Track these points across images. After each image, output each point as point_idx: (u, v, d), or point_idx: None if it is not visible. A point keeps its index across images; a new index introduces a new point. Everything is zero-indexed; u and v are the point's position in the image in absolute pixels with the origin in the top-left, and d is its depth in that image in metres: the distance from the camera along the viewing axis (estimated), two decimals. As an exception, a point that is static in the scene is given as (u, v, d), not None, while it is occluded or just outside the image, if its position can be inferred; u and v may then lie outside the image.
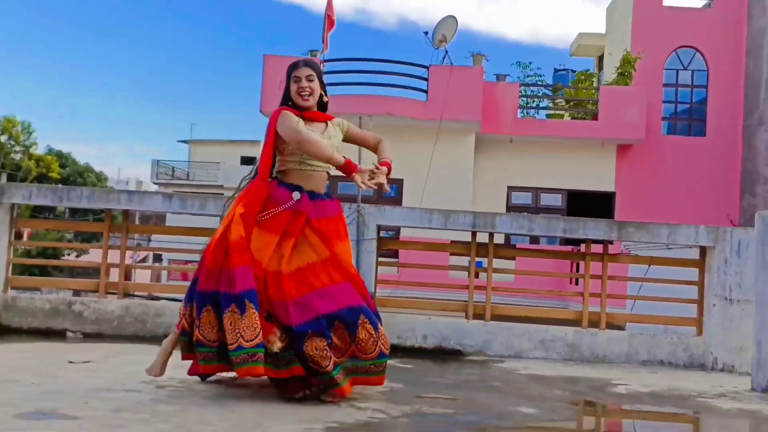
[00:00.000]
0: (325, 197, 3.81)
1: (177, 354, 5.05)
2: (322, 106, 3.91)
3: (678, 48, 19.76)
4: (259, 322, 3.40)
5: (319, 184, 3.79)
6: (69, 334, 5.82)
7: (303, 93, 3.76)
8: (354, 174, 3.59)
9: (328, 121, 3.87)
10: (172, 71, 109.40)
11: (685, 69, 19.86)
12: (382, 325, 3.65)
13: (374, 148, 3.94)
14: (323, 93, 3.87)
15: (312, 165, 3.75)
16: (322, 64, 17.90)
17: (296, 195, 3.67)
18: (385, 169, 3.71)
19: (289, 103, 3.83)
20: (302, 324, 3.44)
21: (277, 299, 3.51)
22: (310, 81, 3.77)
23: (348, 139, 3.93)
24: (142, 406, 3.32)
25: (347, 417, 3.36)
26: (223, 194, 6.52)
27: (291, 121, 3.67)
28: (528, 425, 3.59)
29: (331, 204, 3.81)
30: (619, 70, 19.27)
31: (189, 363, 3.95)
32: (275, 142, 3.75)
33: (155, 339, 5.76)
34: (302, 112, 3.78)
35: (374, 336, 3.54)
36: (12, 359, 4.53)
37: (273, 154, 3.81)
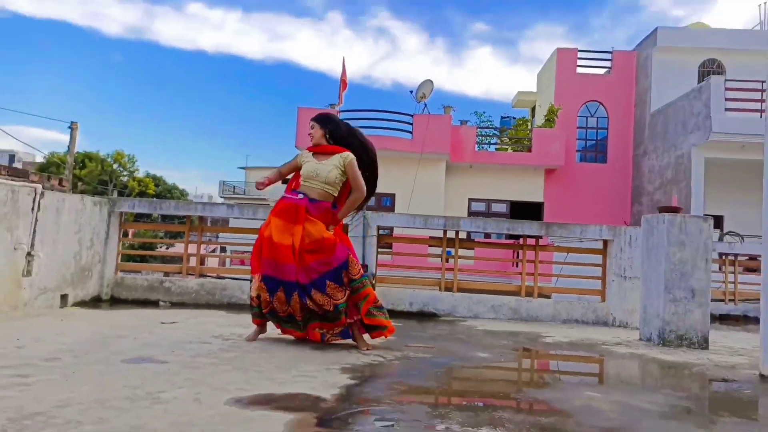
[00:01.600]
0: (320, 201, 3.73)
1: (240, 316, 5.05)
2: (340, 139, 3.89)
3: (587, 101, 19.77)
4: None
5: (316, 194, 3.73)
6: (161, 303, 5.80)
7: (310, 138, 3.93)
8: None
9: (336, 153, 3.81)
10: (234, 119, 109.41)
11: (592, 116, 19.87)
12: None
13: (357, 188, 3.79)
14: (326, 133, 3.88)
15: (306, 181, 3.78)
16: (338, 114, 17.92)
17: (300, 196, 3.74)
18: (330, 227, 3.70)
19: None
20: (308, 282, 3.53)
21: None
22: (312, 129, 3.92)
23: (345, 172, 3.80)
24: (212, 354, 3.31)
25: (357, 360, 3.35)
26: (269, 204, 6.50)
27: (277, 169, 4.01)
28: (484, 365, 3.58)
29: (322, 205, 3.74)
30: (546, 117, 19.29)
31: (244, 322, 3.93)
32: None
33: (221, 306, 5.77)
34: (314, 147, 3.90)
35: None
36: (120, 321, 4.52)
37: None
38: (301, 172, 3.84)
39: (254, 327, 3.88)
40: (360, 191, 3.78)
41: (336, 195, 3.83)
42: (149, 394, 2.38)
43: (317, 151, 3.87)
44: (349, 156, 3.82)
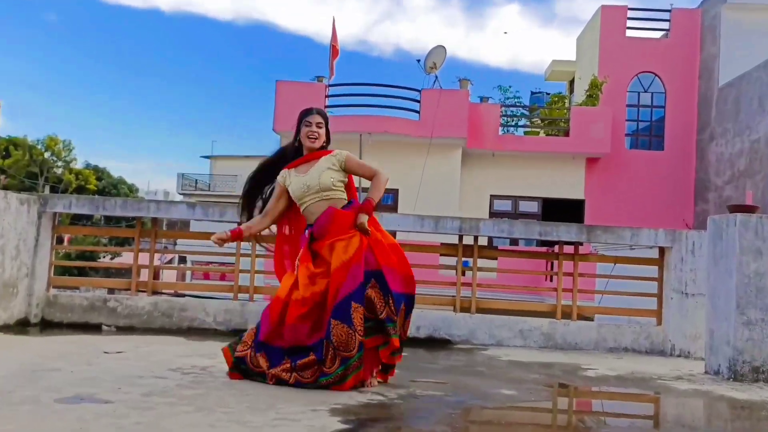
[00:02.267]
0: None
1: (204, 343, 5.06)
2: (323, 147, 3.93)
3: (639, 73, 19.81)
4: None
5: (321, 208, 3.73)
6: (104, 327, 5.81)
7: (311, 136, 3.83)
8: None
9: (322, 157, 3.83)
10: (195, 95, 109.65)
11: (645, 91, 19.91)
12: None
13: (369, 179, 3.89)
14: (327, 140, 3.91)
15: (303, 202, 3.77)
16: (326, 89, 17.98)
17: (306, 233, 3.77)
18: (365, 221, 3.69)
19: (296, 143, 3.91)
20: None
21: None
22: (319, 128, 3.85)
23: (347, 170, 3.85)
24: (168, 391, 3.32)
25: (349, 399, 3.36)
26: (237, 203, 6.50)
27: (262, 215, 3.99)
28: (509, 405, 3.59)
29: (342, 215, 3.75)
30: (588, 93, 19.33)
31: (208, 351, 3.92)
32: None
33: (180, 331, 5.78)
34: (305, 153, 3.86)
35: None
36: (53, 350, 4.52)
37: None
38: (293, 194, 3.81)
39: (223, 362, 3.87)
40: (378, 174, 3.83)
41: (344, 196, 3.84)
42: (89, 443, 2.38)
43: (297, 164, 3.86)
44: (342, 153, 3.85)
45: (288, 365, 3.51)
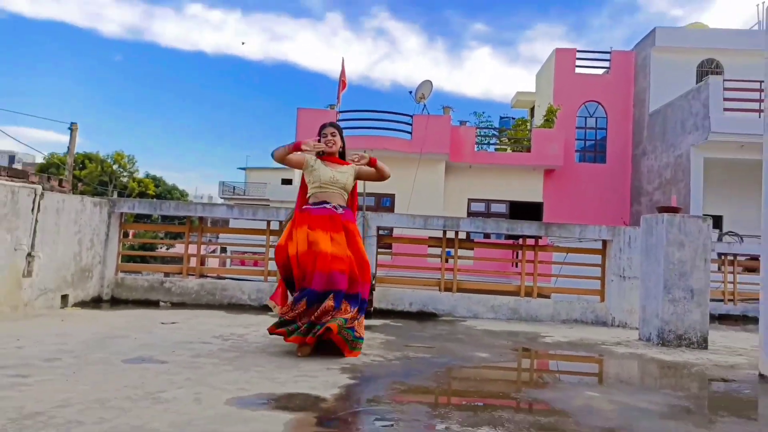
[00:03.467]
0: (342, 209, 3.75)
1: (240, 316, 5.05)
2: (341, 154, 3.93)
3: (586, 102, 19.78)
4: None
5: (337, 200, 3.75)
6: (161, 303, 5.80)
7: (329, 143, 3.84)
8: (301, 145, 3.69)
9: (347, 165, 3.86)
10: (233, 119, 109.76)
11: (591, 116, 19.88)
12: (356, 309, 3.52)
13: (376, 175, 3.94)
14: (342, 146, 3.92)
15: (325, 187, 3.73)
16: (337, 115, 17.93)
17: (327, 205, 3.69)
18: (367, 156, 3.81)
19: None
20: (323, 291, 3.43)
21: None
22: (333, 136, 3.87)
23: (358, 176, 3.89)
24: (213, 354, 3.31)
25: (357, 360, 3.35)
26: (269, 205, 6.50)
27: (276, 149, 3.80)
28: (483, 365, 3.58)
29: (347, 214, 3.77)
30: (545, 117, 19.30)
31: (244, 322, 3.89)
32: (303, 180, 3.88)
33: (222, 306, 5.77)
34: (327, 156, 3.85)
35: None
36: (121, 322, 4.51)
37: (304, 191, 3.86)
38: (317, 178, 3.75)
39: (256, 331, 3.83)
40: (386, 171, 3.90)
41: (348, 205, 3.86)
42: (149, 394, 2.38)
43: (331, 160, 3.85)
44: (355, 166, 3.89)
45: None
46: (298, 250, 3.50)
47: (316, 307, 3.40)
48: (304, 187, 3.90)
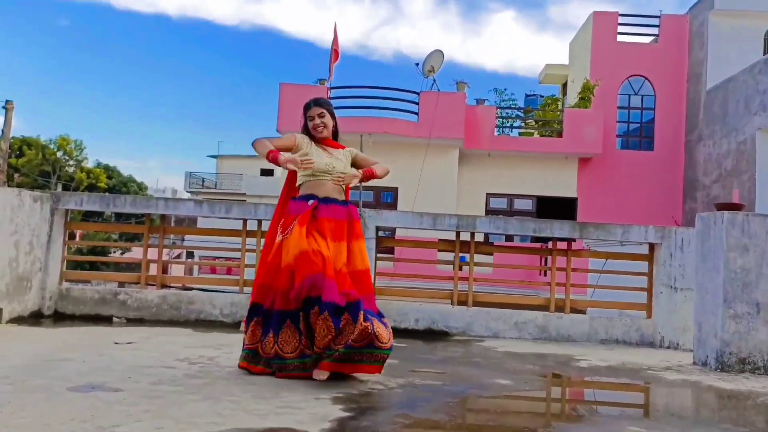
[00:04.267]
0: (338, 203, 3.76)
1: (210, 335, 5.05)
2: (335, 134, 3.96)
3: (630, 77, 19.78)
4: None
5: (331, 191, 3.75)
6: (115, 319, 5.81)
7: (317, 128, 3.85)
8: (281, 163, 3.63)
9: (342, 148, 3.92)
10: (202, 97, 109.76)
11: (635, 94, 19.89)
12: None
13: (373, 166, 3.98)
14: (335, 125, 3.93)
15: (319, 176, 3.76)
16: (328, 91, 17.94)
17: (310, 202, 3.69)
18: (359, 174, 3.82)
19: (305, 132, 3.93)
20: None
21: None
22: (322, 117, 3.85)
23: (354, 163, 3.94)
24: (176, 380, 3.31)
25: (351, 388, 3.35)
26: (245, 200, 6.50)
27: (259, 140, 3.76)
28: (504, 394, 3.59)
29: (341, 208, 3.76)
30: (580, 96, 19.30)
31: (214, 342, 3.90)
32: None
33: (188, 323, 5.77)
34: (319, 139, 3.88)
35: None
36: (66, 341, 4.52)
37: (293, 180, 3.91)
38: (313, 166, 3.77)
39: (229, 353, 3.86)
40: (379, 163, 3.95)
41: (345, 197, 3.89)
42: (101, 429, 2.38)
43: (324, 144, 3.88)
44: (353, 150, 3.97)
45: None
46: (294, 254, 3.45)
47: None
48: (291, 176, 3.90)
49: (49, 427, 2.38)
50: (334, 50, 17.73)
